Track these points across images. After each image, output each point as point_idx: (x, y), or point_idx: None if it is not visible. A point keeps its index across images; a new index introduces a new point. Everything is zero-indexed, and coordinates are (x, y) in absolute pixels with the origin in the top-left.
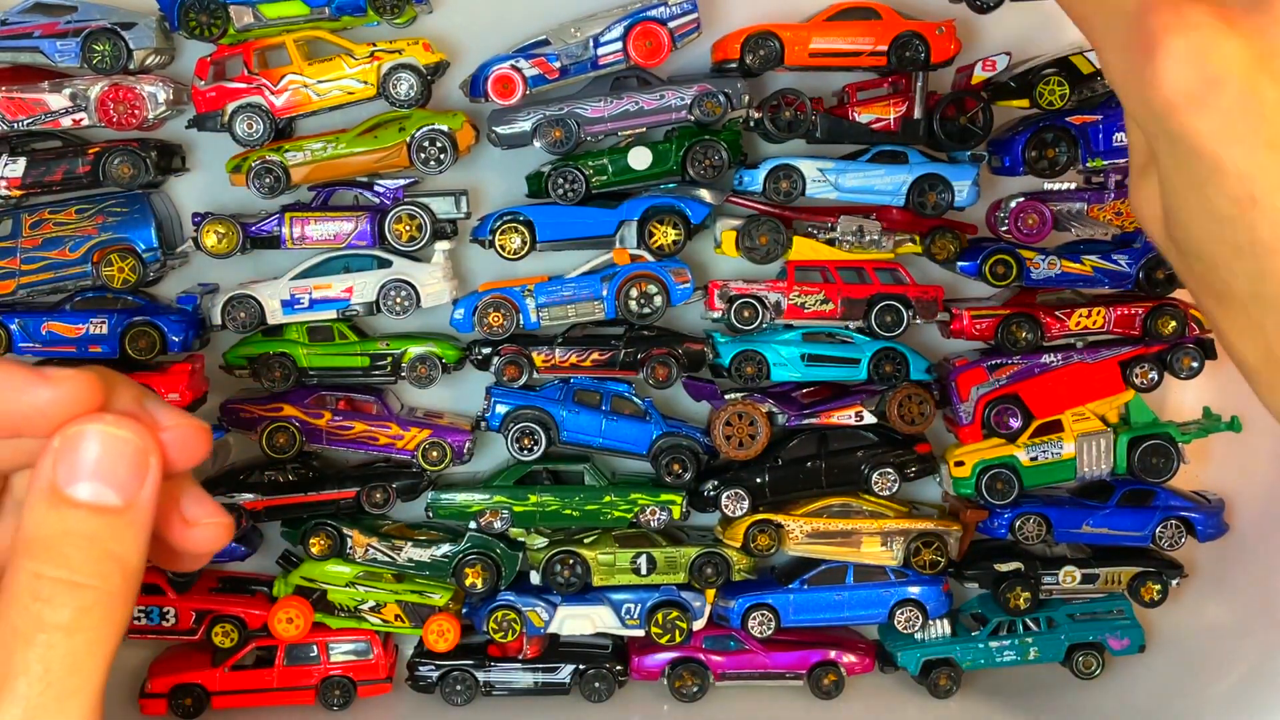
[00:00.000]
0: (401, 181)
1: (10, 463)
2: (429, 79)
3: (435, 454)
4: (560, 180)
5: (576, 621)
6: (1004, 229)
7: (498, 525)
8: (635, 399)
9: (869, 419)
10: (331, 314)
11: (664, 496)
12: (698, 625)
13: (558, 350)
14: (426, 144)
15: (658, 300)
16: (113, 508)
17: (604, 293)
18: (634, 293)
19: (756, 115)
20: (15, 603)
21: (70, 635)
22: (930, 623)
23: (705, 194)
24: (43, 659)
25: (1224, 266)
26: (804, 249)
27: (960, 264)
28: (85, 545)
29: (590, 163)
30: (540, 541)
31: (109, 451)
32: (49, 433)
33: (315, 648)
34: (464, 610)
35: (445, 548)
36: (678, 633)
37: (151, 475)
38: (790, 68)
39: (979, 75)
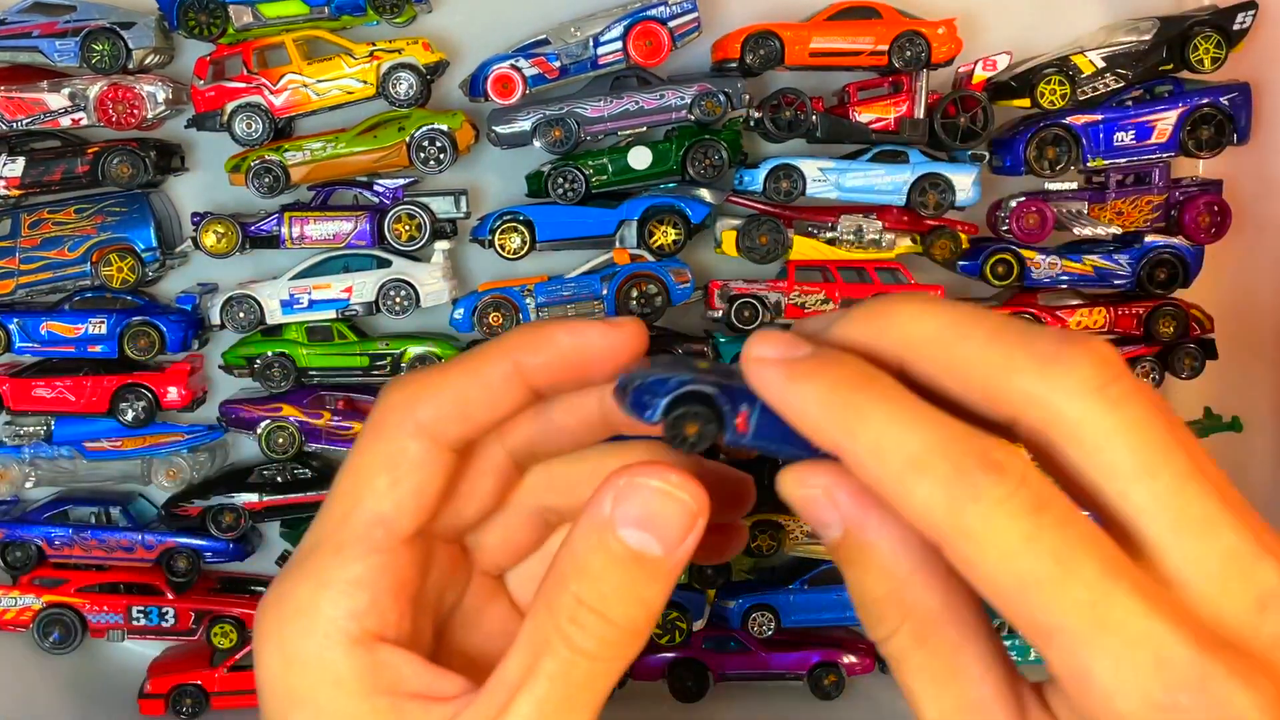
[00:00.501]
0: (401, 181)
1: (546, 445)
2: (428, 78)
3: None
4: (560, 180)
5: None
6: (1004, 228)
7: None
8: None
9: None
10: (331, 314)
11: None
12: (697, 625)
13: None
14: (426, 143)
15: (658, 300)
16: (655, 558)
17: (604, 292)
18: (634, 293)
19: (757, 115)
20: (550, 616)
21: (592, 661)
22: None
23: (705, 194)
24: (563, 674)
25: None
26: (805, 248)
27: (961, 263)
28: (624, 586)
29: (590, 162)
30: None
31: (666, 508)
32: (605, 375)
33: None
34: None
35: None
36: (677, 633)
37: (695, 534)
38: (790, 67)
39: (980, 75)
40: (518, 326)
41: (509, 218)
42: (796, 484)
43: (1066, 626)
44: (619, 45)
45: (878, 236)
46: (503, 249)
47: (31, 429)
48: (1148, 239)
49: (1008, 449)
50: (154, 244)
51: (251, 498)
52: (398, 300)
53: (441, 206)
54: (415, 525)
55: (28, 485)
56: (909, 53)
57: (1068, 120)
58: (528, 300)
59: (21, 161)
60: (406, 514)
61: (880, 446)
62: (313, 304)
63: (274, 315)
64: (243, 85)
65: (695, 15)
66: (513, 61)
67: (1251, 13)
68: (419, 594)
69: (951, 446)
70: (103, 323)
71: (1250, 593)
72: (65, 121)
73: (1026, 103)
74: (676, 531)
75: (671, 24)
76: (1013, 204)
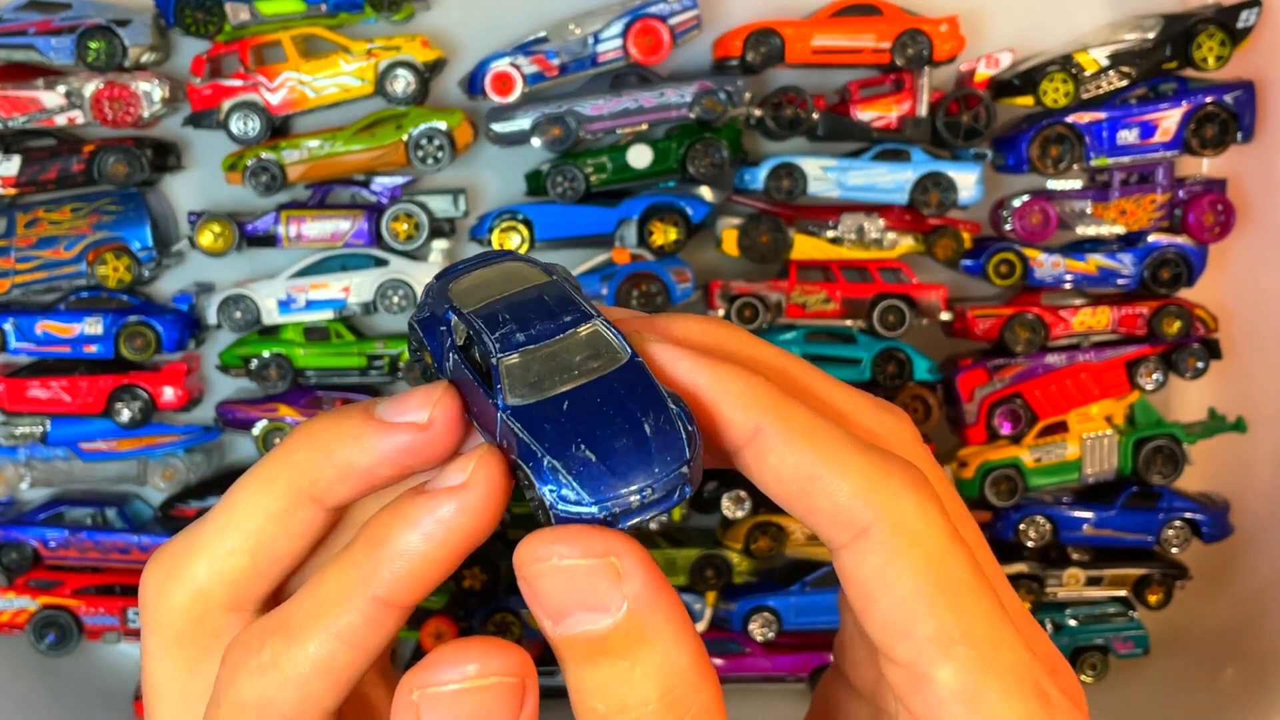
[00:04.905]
0: (399, 180)
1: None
2: (426, 76)
3: None
4: (559, 178)
5: None
6: (1008, 227)
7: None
8: None
9: None
10: (328, 314)
11: None
12: (699, 628)
13: None
14: (424, 142)
15: (658, 300)
16: None
17: (604, 292)
18: (634, 292)
19: (758, 113)
20: None
21: None
22: None
23: (706, 192)
24: None
25: None
26: (806, 248)
27: (964, 263)
28: None
29: (589, 161)
30: None
31: (480, 703)
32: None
33: None
34: (461, 613)
35: None
36: None
37: (531, 697)
38: (792, 65)
39: (982, 73)
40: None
41: (508, 216)
42: (553, 548)
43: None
44: (619, 43)
45: (880, 235)
46: (501, 248)
47: (27, 430)
48: (1151, 238)
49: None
50: (150, 243)
51: None
52: (395, 300)
53: (440, 205)
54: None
55: (23, 486)
56: (911, 50)
57: (1071, 118)
58: None
59: (17, 160)
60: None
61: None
62: (310, 304)
63: (271, 315)
64: (239, 83)
65: (695, 12)
66: (511, 59)
67: (1255, 10)
68: None
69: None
70: (98, 322)
71: None
72: (61, 120)
73: (1030, 101)
74: (506, 716)
75: (672, 21)
76: (1016, 203)
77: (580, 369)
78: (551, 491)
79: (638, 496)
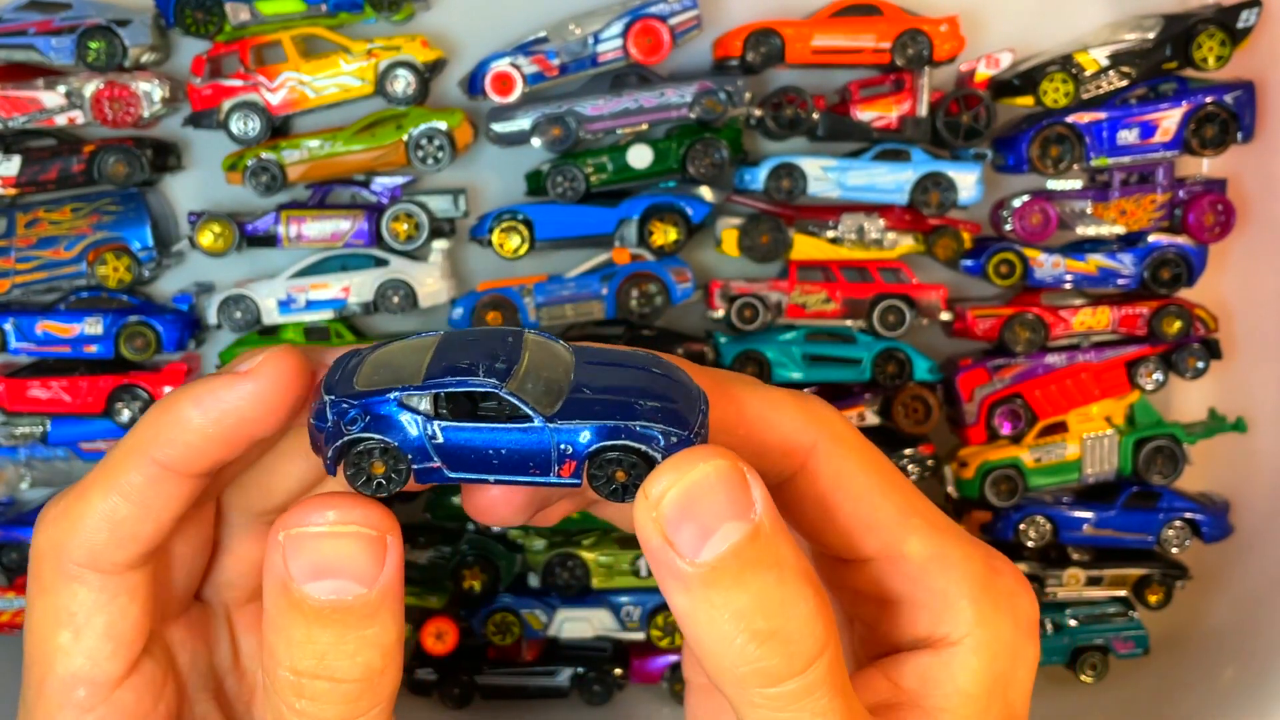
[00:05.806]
0: (399, 180)
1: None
2: (427, 76)
3: None
4: (559, 178)
5: (575, 624)
6: (1008, 228)
7: (496, 527)
8: None
9: (871, 420)
10: (328, 314)
11: None
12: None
13: None
14: (424, 142)
15: (658, 300)
16: (358, 600)
17: (603, 292)
18: (634, 292)
19: (758, 113)
20: (279, 700)
21: None
22: None
23: (706, 192)
24: None
25: None
26: (806, 248)
27: (964, 263)
28: (338, 640)
29: (589, 161)
30: (539, 543)
31: (340, 548)
32: (275, 426)
33: None
34: (461, 613)
35: (444, 549)
36: (677, 636)
37: (393, 554)
38: (792, 65)
39: (982, 73)
40: (148, 411)
41: (508, 217)
42: (692, 460)
43: None
44: (619, 43)
45: (880, 236)
46: (501, 248)
47: (27, 430)
48: (1152, 238)
49: None
50: (150, 243)
51: None
52: (395, 300)
53: (440, 205)
54: (125, 662)
55: (23, 486)
56: (911, 50)
57: (1071, 118)
58: (526, 300)
59: (17, 160)
60: (105, 659)
61: None
62: (310, 304)
63: (271, 315)
64: (239, 83)
65: (696, 13)
66: (512, 59)
67: (1255, 10)
68: (196, 674)
69: None
70: (98, 323)
71: None
72: (61, 120)
73: (1030, 101)
74: (366, 565)
75: (672, 21)
76: (1016, 203)
77: (556, 363)
78: (655, 444)
79: (702, 415)
